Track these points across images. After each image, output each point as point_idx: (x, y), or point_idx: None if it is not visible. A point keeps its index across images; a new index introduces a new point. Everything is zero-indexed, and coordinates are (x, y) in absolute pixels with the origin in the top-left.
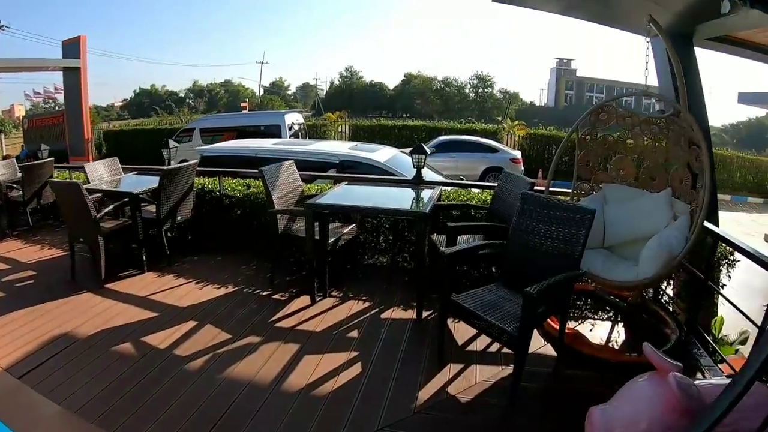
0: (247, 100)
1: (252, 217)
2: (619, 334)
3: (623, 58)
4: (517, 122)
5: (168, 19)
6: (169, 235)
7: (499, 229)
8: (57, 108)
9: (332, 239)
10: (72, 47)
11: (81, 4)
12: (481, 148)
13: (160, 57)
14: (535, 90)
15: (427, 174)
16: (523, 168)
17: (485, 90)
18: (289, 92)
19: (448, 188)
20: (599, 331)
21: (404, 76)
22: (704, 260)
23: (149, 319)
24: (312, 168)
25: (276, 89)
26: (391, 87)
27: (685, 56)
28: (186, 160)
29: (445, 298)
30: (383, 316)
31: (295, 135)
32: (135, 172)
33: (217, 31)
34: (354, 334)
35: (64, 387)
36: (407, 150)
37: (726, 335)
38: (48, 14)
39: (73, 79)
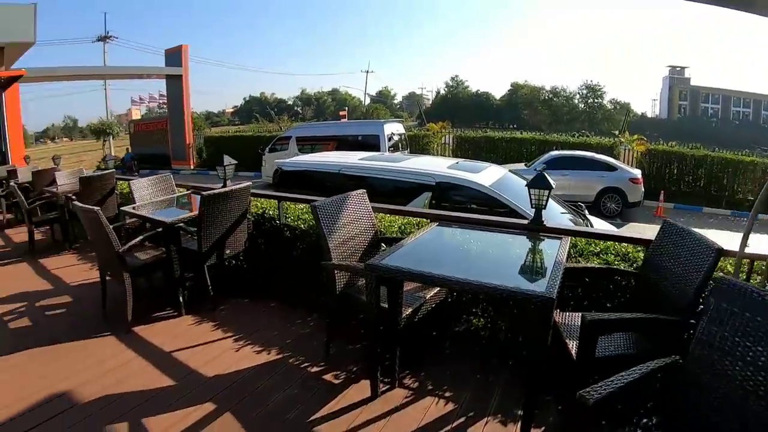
0: (346, 108)
1: (318, 255)
2: None
3: (740, 65)
4: (636, 136)
5: (279, 28)
6: (214, 271)
7: (663, 325)
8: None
9: (409, 310)
10: (174, 56)
11: (185, 16)
12: (597, 166)
13: (269, 66)
14: (646, 100)
15: (550, 210)
16: (643, 189)
17: (595, 100)
18: (395, 101)
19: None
20: None
21: (511, 85)
22: None
23: (163, 389)
24: (402, 190)
25: (382, 98)
26: (498, 97)
27: None
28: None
29: None
30: (472, 428)
31: (395, 146)
32: (191, 190)
33: (326, 41)
34: None
35: None
36: (518, 166)
37: None
38: (162, 26)
39: (175, 86)
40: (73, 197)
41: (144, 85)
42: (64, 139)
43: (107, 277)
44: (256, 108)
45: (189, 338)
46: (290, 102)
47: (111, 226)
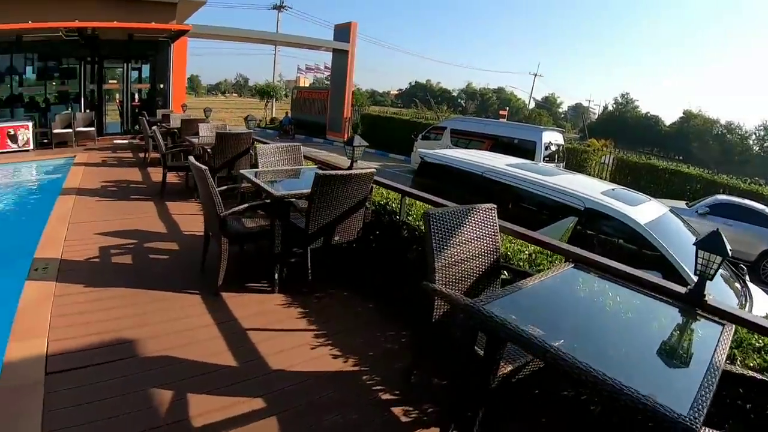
0: (507, 108)
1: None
2: None
3: None
4: None
5: (450, 18)
6: (320, 255)
7: None
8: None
9: (508, 368)
10: (343, 31)
11: None
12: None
13: (437, 53)
14: None
15: (716, 284)
16: None
17: None
18: (560, 110)
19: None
20: None
21: (683, 113)
22: None
23: (222, 368)
24: (546, 207)
25: (547, 104)
26: (667, 123)
27: None
28: None
29: None
30: None
31: (551, 157)
32: (318, 165)
33: (497, 37)
34: None
35: (72, 413)
36: (678, 204)
37: None
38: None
39: (340, 60)
40: (209, 149)
41: (312, 56)
42: (234, 94)
43: (210, 236)
44: (420, 94)
45: (272, 319)
46: (454, 93)
47: (225, 187)
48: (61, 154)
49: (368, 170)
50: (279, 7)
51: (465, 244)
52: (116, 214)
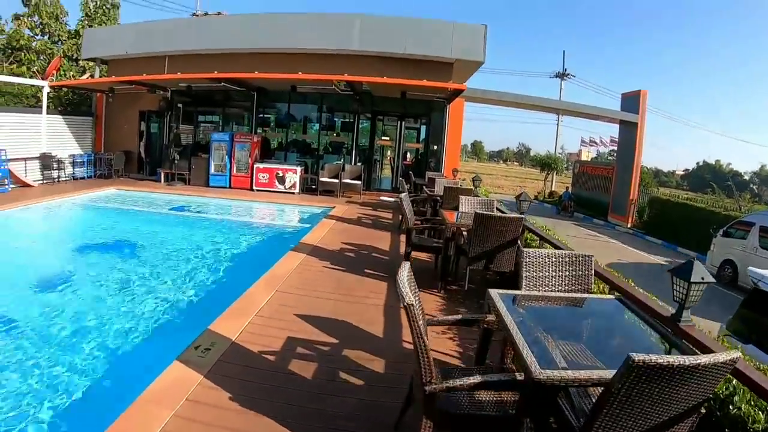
0: None
1: None
2: None
3: None
4: None
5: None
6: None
7: None
8: (609, 159)
9: None
10: (631, 101)
11: (646, 61)
12: None
13: (725, 129)
14: None
15: None
16: None
17: None
18: None
19: None
20: None
21: None
22: None
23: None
24: None
25: None
26: None
27: None
28: None
29: None
30: None
31: None
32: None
33: None
34: None
35: None
36: None
37: None
38: (613, 68)
39: (628, 133)
40: (464, 231)
41: (593, 127)
42: (515, 163)
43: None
44: (708, 176)
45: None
46: (746, 177)
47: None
48: (322, 203)
49: (728, 357)
50: (562, 75)
51: None
52: (335, 289)
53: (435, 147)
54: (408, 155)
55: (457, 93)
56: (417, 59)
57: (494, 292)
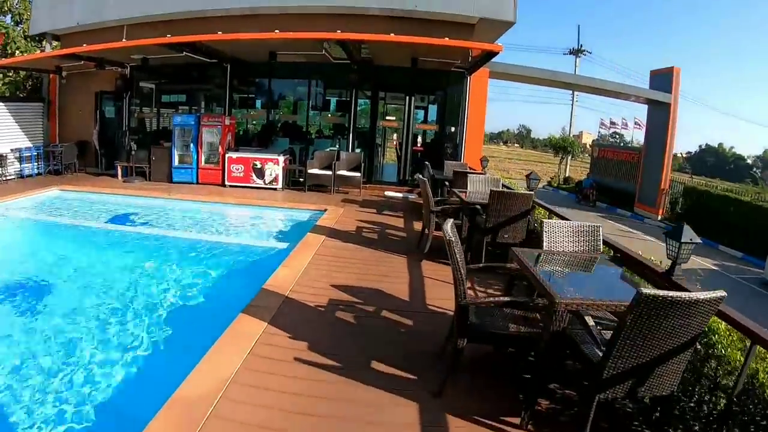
0: None
1: None
2: None
3: None
4: None
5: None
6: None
7: None
8: (621, 144)
9: None
10: (661, 79)
11: (674, 35)
12: None
13: (734, 109)
14: None
15: None
16: None
17: None
18: None
19: None
20: None
21: None
22: None
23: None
24: None
25: None
26: None
27: None
28: None
29: None
30: None
31: None
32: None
33: None
34: None
35: None
36: None
37: None
38: (635, 45)
39: (658, 115)
40: (480, 209)
41: (606, 108)
42: (516, 145)
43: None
44: (711, 159)
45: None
46: (749, 161)
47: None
48: (311, 204)
49: (715, 295)
50: (576, 52)
51: None
52: None
53: (452, 129)
54: (419, 140)
55: (488, 57)
56: (429, 19)
57: (518, 250)
